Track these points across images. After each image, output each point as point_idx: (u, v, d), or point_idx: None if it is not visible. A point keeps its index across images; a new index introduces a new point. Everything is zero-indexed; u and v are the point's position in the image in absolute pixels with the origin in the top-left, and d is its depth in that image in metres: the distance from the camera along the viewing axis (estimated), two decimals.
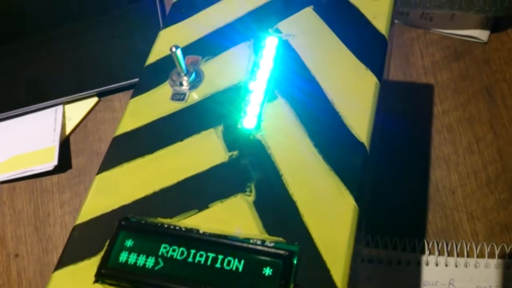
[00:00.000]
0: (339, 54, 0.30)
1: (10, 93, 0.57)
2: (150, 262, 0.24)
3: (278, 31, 0.31)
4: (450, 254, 0.40)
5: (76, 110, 0.56)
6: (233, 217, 0.25)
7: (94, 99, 0.56)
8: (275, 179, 0.26)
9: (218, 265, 0.23)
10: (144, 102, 0.30)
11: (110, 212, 0.26)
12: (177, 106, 0.30)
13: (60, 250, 0.48)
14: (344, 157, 0.26)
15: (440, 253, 0.40)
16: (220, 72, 0.30)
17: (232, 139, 0.28)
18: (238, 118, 0.28)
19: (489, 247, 0.40)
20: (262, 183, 0.26)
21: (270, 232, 0.24)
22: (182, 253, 0.24)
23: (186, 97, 0.30)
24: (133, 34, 0.57)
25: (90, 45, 0.58)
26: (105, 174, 0.28)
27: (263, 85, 0.29)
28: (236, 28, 0.32)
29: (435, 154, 0.47)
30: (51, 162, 0.51)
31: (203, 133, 0.28)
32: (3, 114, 0.55)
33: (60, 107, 0.55)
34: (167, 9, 0.59)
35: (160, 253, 0.24)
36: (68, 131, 0.54)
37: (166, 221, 0.25)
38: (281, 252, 0.23)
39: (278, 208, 0.25)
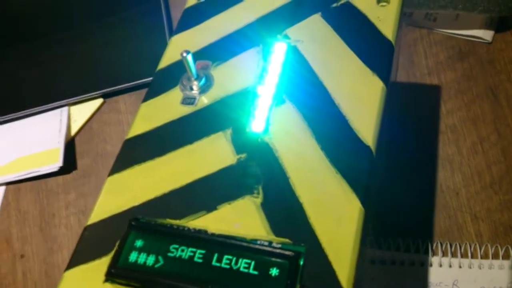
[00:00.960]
0: (346, 59, 0.30)
1: (16, 94, 0.57)
2: (159, 262, 0.24)
3: (286, 37, 0.32)
4: (453, 255, 0.40)
5: (81, 112, 0.56)
6: (241, 219, 0.25)
7: (99, 101, 0.56)
8: (282, 182, 0.26)
9: (225, 265, 0.24)
10: (155, 106, 0.31)
11: (120, 213, 0.27)
12: (187, 110, 0.30)
13: (65, 251, 0.49)
14: (351, 160, 0.26)
15: (444, 254, 0.41)
16: (229, 77, 0.31)
17: (240, 142, 0.28)
18: (246, 122, 0.29)
19: (493, 248, 0.41)
20: (269, 185, 0.26)
21: (277, 234, 0.25)
22: (191, 253, 0.25)
23: (196, 101, 0.30)
24: (138, 36, 0.58)
25: (95, 47, 0.58)
26: (116, 176, 0.28)
27: (271, 89, 0.29)
28: (245, 34, 0.32)
29: (439, 155, 0.48)
30: (56, 163, 0.52)
31: (212, 136, 0.29)
32: (9, 115, 0.55)
33: (65, 109, 0.56)
34: (172, 11, 0.60)
35: (169, 254, 0.25)
36: (73, 132, 0.55)
37: (175, 222, 0.26)
38: (288, 253, 0.24)
39: (285, 210, 0.25)
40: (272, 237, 0.25)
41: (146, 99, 0.31)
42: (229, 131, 0.29)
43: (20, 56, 0.59)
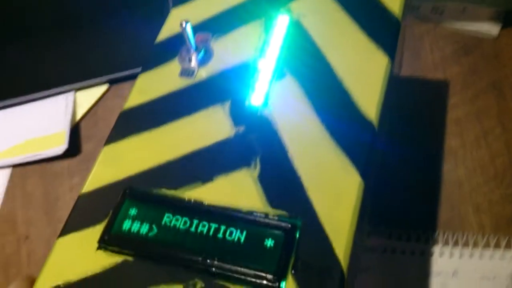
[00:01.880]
0: (350, 33, 0.29)
1: (22, 79, 0.57)
2: (153, 230, 0.24)
3: (289, 10, 0.31)
4: (455, 244, 0.40)
5: (87, 97, 0.56)
6: (237, 191, 0.25)
7: (105, 86, 0.56)
8: (281, 154, 0.26)
9: (220, 235, 0.23)
10: (152, 78, 0.30)
11: (115, 183, 0.26)
12: (186, 82, 0.30)
13: None
14: (352, 134, 0.26)
15: (445, 244, 0.40)
16: (229, 49, 0.30)
17: (239, 115, 0.28)
18: (246, 95, 0.28)
19: (495, 239, 0.40)
20: (267, 158, 0.26)
21: (274, 206, 0.24)
22: (185, 222, 0.24)
23: (195, 73, 0.30)
24: (144, 22, 0.58)
25: (102, 32, 0.58)
26: (111, 145, 0.28)
27: (272, 63, 0.29)
28: (247, 7, 0.32)
29: (442, 147, 0.47)
30: (62, 145, 0.52)
31: (210, 108, 0.28)
32: (15, 99, 0.56)
33: (71, 94, 0.56)
34: None
35: (163, 222, 0.24)
36: (78, 117, 0.55)
37: (170, 192, 0.25)
38: (284, 224, 0.23)
39: (282, 183, 0.25)
40: (268, 209, 0.24)
41: (143, 71, 0.31)
42: (227, 104, 0.28)
43: (28, 42, 0.59)
